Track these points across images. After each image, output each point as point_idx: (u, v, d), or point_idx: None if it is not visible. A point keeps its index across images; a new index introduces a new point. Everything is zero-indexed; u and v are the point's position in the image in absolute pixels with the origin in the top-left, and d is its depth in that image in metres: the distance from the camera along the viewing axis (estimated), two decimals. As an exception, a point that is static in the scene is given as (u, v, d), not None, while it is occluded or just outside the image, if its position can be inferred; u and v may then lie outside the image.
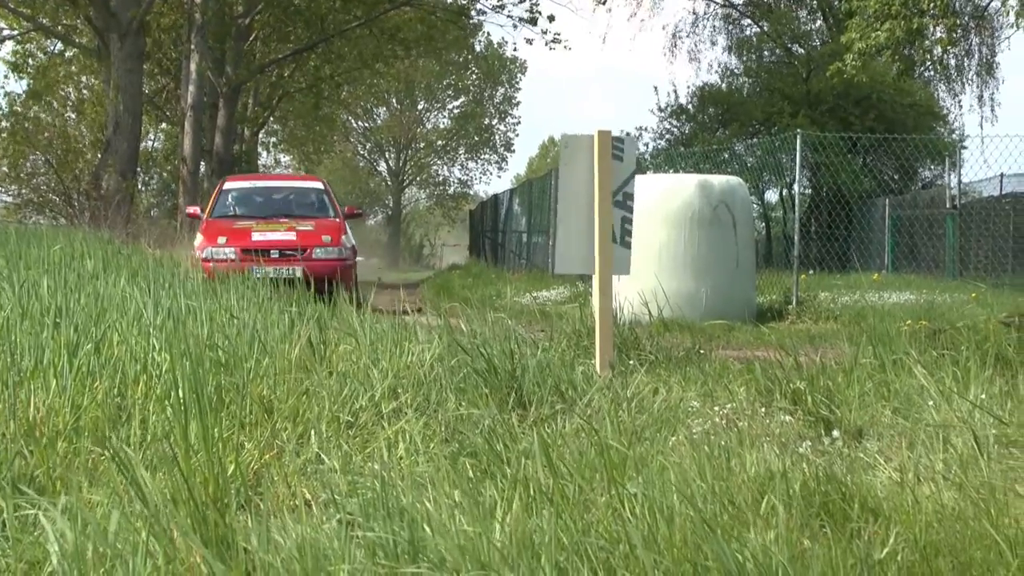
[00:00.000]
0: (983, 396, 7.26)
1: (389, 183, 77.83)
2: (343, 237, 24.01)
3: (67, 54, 48.77)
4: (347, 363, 7.90)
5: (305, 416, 6.70)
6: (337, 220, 24.90)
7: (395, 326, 9.41)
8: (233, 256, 21.56)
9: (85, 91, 53.72)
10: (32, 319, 8.63)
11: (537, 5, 39.83)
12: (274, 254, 22.40)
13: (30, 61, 50.82)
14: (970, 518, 4.94)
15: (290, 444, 6.20)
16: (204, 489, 4.92)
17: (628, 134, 11.57)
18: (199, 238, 23.37)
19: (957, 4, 35.56)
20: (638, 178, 20.39)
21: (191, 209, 26.64)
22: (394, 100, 65.06)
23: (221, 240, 22.66)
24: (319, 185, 27.63)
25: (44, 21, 42.41)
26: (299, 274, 18.35)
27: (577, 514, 4.92)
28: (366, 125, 68.53)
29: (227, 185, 26.54)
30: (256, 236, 22.91)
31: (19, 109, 56.88)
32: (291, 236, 23.13)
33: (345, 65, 46.96)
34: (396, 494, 5.00)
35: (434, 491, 5.19)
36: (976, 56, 51.64)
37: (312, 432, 6.37)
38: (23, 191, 58.65)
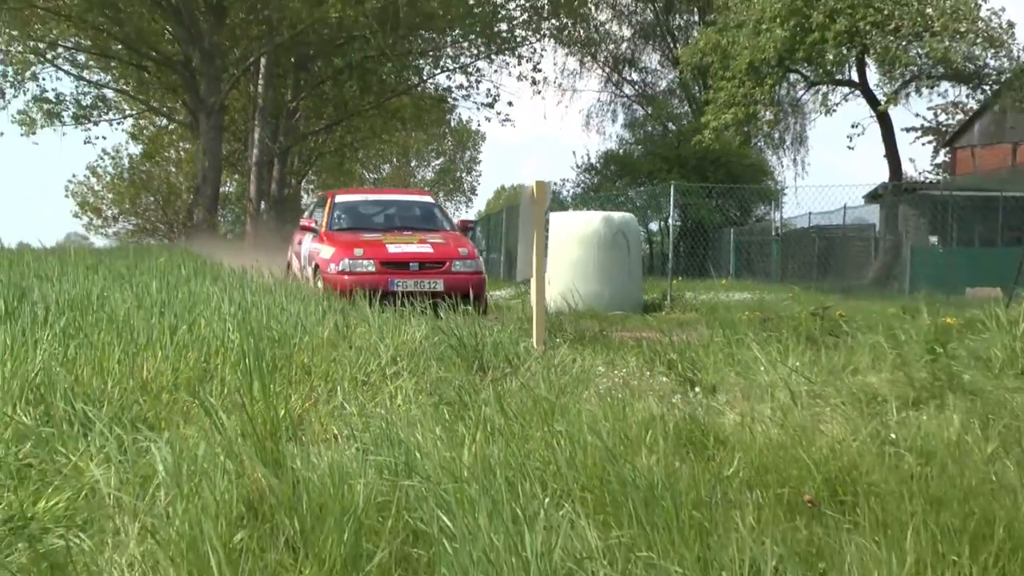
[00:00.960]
0: (797, 364, 7.28)
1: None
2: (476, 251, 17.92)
3: (170, 127, 48.59)
4: (362, 340, 7.87)
5: (333, 377, 6.68)
6: (458, 233, 18.29)
7: (395, 315, 9.39)
8: (372, 268, 15.87)
9: (182, 152, 53.65)
10: (145, 309, 8.60)
11: (497, 98, 39.90)
12: (413, 267, 16.24)
13: (144, 132, 50.62)
14: (789, 447, 4.94)
15: (323, 396, 6.17)
16: (263, 427, 4.90)
17: (553, 184, 11.60)
18: (327, 249, 16.66)
19: (779, 96, 35.69)
20: (563, 213, 20.53)
21: (306, 221, 18.70)
22: (395, 159, 64.88)
23: (358, 252, 16.19)
24: (429, 199, 20.28)
25: (154, 104, 42.29)
26: (440, 287, 15.33)
27: (520, 444, 4.91)
28: (376, 176, 68.37)
29: (338, 199, 19.17)
30: (392, 248, 16.52)
31: (137, 165, 56.82)
32: (428, 249, 16.79)
33: (361, 135, 47.00)
34: (396, 431, 4.98)
35: (422, 428, 5.17)
36: (792, 131, 51.86)
37: (338, 388, 6.35)
38: (139, 221, 58.55)
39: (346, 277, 15.69)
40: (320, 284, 15.97)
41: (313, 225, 18.09)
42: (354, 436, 5.17)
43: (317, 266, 16.68)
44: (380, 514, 4.08)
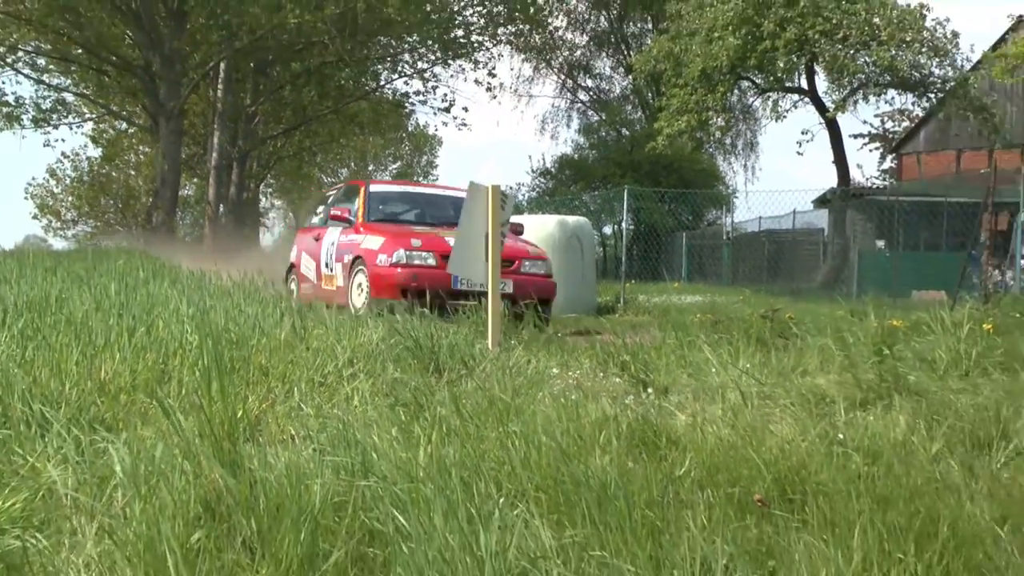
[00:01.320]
0: (748, 365, 7.30)
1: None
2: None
3: (129, 131, 48.29)
4: (320, 342, 7.84)
5: (290, 378, 6.64)
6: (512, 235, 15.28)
7: (351, 317, 9.37)
8: (433, 262, 13.40)
9: (142, 156, 53.37)
10: (103, 311, 8.53)
11: (453, 103, 39.89)
12: None
13: (104, 135, 50.31)
14: (739, 447, 4.96)
15: (280, 397, 6.14)
16: (221, 428, 4.87)
17: (510, 188, 11.41)
18: (373, 239, 14.29)
19: (731, 103, 35.90)
20: (518, 217, 20.40)
21: (337, 210, 15.80)
22: (352, 163, 64.73)
23: (416, 242, 13.73)
24: None
25: (114, 108, 42.04)
26: (509, 289, 12.95)
27: (476, 445, 4.91)
28: (333, 180, 68.24)
29: (374, 188, 16.54)
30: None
31: (97, 168, 56.51)
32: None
33: (319, 139, 46.88)
34: (352, 431, 4.96)
35: (378, 429, 5.16)
36: (743, 138, 52.16)
37: (295, 389, 6.32)
38: (98, 224, 58.19)
39: (399, 270, 13.39)
40: (362, 281, 13.93)
41: (346, 215, 15.54)
42: (311, 437, 5.16)
43: (357, 259, 14.21)
44: (336, 514, 4.06)
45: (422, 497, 3.97)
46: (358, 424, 5.28)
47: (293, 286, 16.83)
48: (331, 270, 15.28)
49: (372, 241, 14.27)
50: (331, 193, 18.44)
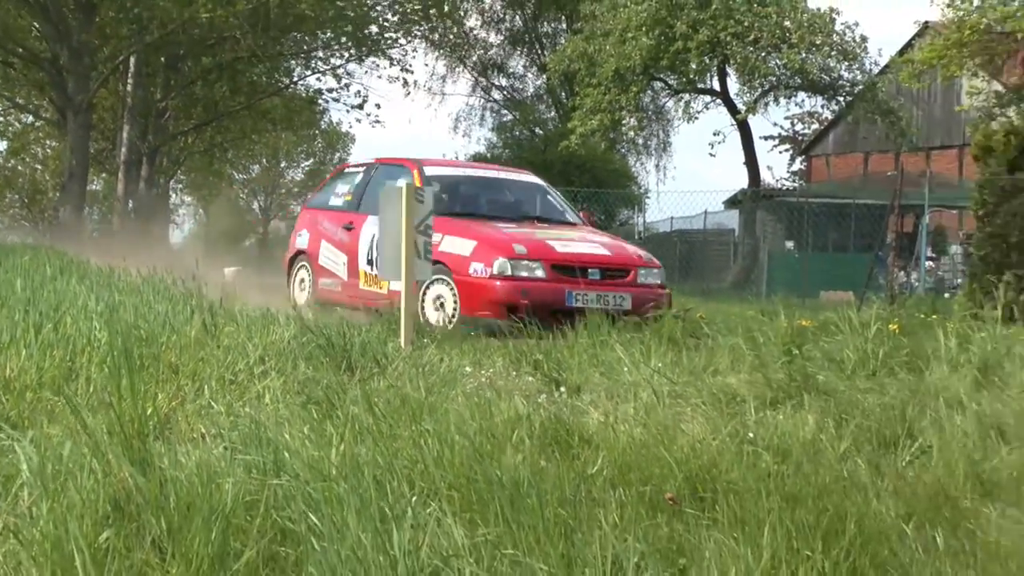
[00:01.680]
0: (660, 365, 7.36)
1: (260, 217, 76.93)
2: None
3: (36, 124, 47.54)
4: (231, 339, 7.77)
5: (201, 376, 6.58)
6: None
7: (264, 315, 9.30)
8: (542, 274, 11.42)
9: (49, 150, 52.53)
10: (9, 307, 8.41)
11: (366, 100, 39.68)
12: (593, 274, 11.59)
13: (10, 129, 49.51)
14: (651, 446, 5.00)
15: (190, 395, 6.09)
16: (130, 426, 4.81)
17: (429, 185, 11.31)
18: (459, 242, 11.82)
19: (644, 104, 36.14)
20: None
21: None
22: (264, 160, 64.29)
23: (519, 249, 11.57)
24: (541, 182, 14.93)
25: (20, 101, 41.40)
26: (628, 304, 11.41)
27: (389, 443, 4.90)
28: (244, 176, 67.67)
29: (428, 170, 13.49)
30: (559, 247, 11.93)
31: (2, 162, 55.56)
32: (603, 250, 12.32)
33: (231, 135, 46.45)
34: (264, 430, 4.93)
35: (290, 428, 5.13)
36: (656, 138, 52.46)
37: (205, 387, 6.26)
38: (3, 219, 57.25)
39: (501, 283, 11.36)
40: (442, 294, 11.76)
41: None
42: (222, 435, 5.11)
43: (445, 267, 11.72)
44: (248, 513, 4.03)
45: (335, 496, 3.95)
46: (270, 422, 5.25)
47: (303, 280, 14.56)
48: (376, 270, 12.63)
49: (456, 244, 11.85)
50: (353, 170, 15.28)
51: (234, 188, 70.48)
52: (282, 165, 68.74)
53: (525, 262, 11.49)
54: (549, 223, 13.21)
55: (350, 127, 54.82)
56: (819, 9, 31.43)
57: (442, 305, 11.67)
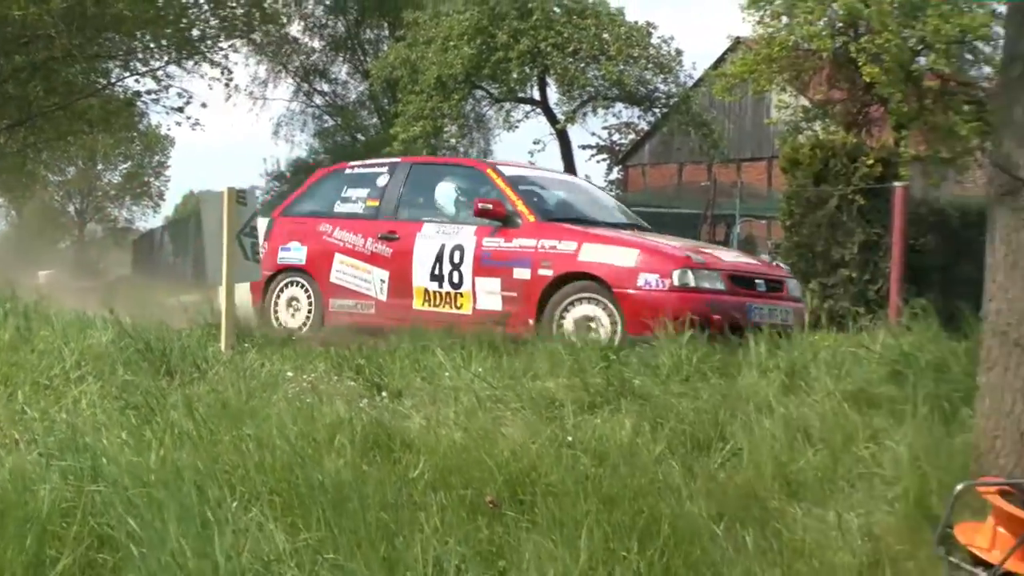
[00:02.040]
0: (480, 369, 7.41)
1: (75, 220, 75.12)
2: None
3: None
4: (46, 344, 7.57)
5: (13, 381, 6.42)
6: None
7: (80, 318, 9.09)
8: (722, 286, 9.95)
9: None
10: None
11: (189, 102, 39.03)
12: (760, 286, 10.36)
13: None
14: (472, 449, 5.04)
15: (2, 401, 5.93)
16: (-60, 432, 4.68)
17: (251, 187, 11.21)
18: (621, 252, 10.13)
19: (465, 111, 36.27)
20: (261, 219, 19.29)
21: (485, 204, 10.71)
22: (80, 162, 62.76)
23: (698, 258, 10.20)
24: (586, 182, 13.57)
25: None
26: (791, 319, 10.26)
27: (209, 448, 4.85)
28: (60, 178, 65.98)
29: (508, 172, 11.68)
30: (726, 258, 10.94)
31: None
32: (754, 262, 11.72)
33: (45, 136, 45.21)
34: (81, 435, 4.84)
35: (108, 433, 5.04)
36: (477, 145, 52.67)
37: (19, 392, 6.11)
38: None
39: (684, 297, 9.79)
40: (595, 314, 10.06)
41: (500, 209, 10.81)
42: (36, 441, 5.00)
43: (579, 277, 10.19)
44: (64, 520, 3.95)
45: (155, 501, 3.90)
46: (87, 428, 5.16)
47: (295, 300, 12.43)
48: (460, 285, 10.93)
49: (605, 253, 10.26)
50: (365, 171, 12.82)
51: (48, 190, 68.74)
52: (99, 167, 67.23)
53: (706, 272, 10.04)
54: (642, 229, 11.82)
55: (169, 130, 53.79)
56: (636, 23, 31.93)
57: (604, 325, 10.01)
